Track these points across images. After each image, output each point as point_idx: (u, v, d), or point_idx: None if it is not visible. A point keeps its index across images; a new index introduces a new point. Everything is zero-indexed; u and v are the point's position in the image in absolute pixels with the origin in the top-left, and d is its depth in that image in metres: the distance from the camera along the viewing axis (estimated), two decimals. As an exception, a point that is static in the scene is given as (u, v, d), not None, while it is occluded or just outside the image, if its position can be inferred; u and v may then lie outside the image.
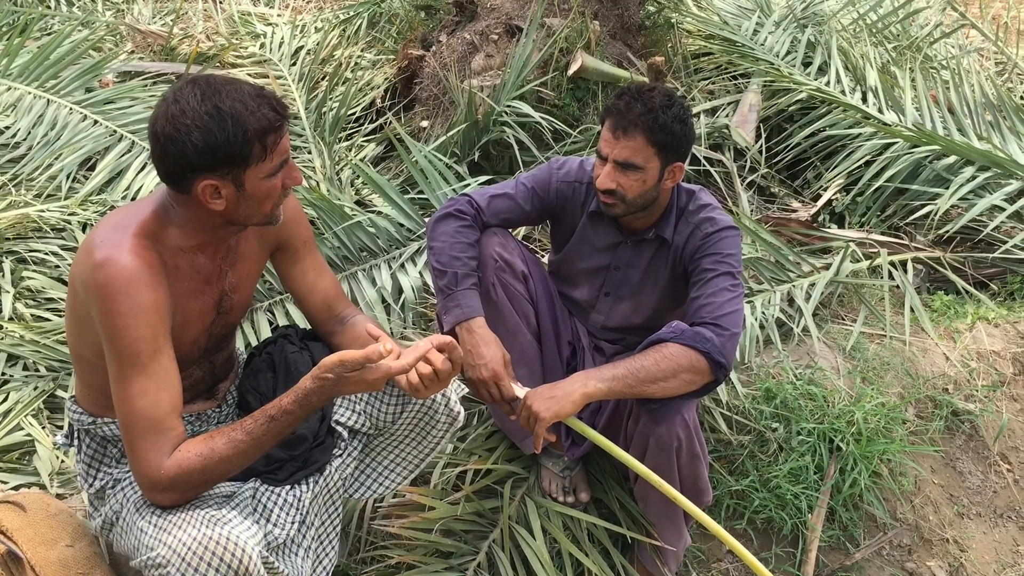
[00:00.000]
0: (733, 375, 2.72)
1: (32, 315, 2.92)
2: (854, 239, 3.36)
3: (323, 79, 4.40)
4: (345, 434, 1.93)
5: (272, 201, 1.66)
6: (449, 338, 1.71)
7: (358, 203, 3.52)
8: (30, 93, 3.84)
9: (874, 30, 4.61)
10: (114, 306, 1.54)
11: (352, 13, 4.80)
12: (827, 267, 3.19)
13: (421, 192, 3.32)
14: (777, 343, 2.87)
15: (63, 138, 3.66)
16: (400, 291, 3.01)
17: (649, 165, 2.07)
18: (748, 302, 2.97)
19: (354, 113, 4.16)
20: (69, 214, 3.30)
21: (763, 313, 2.94)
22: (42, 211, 3.28)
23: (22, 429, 2.54)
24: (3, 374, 2.71)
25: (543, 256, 3.00)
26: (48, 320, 2.91)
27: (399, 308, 2.97)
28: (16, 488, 2.35)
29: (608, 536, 2.37)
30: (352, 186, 3.68)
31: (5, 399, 2.63)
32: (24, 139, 3.68)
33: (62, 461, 2.47)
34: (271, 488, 1.80)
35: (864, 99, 3.97)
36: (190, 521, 1.56)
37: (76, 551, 1.88)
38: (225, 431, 1.61)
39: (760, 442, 2.64)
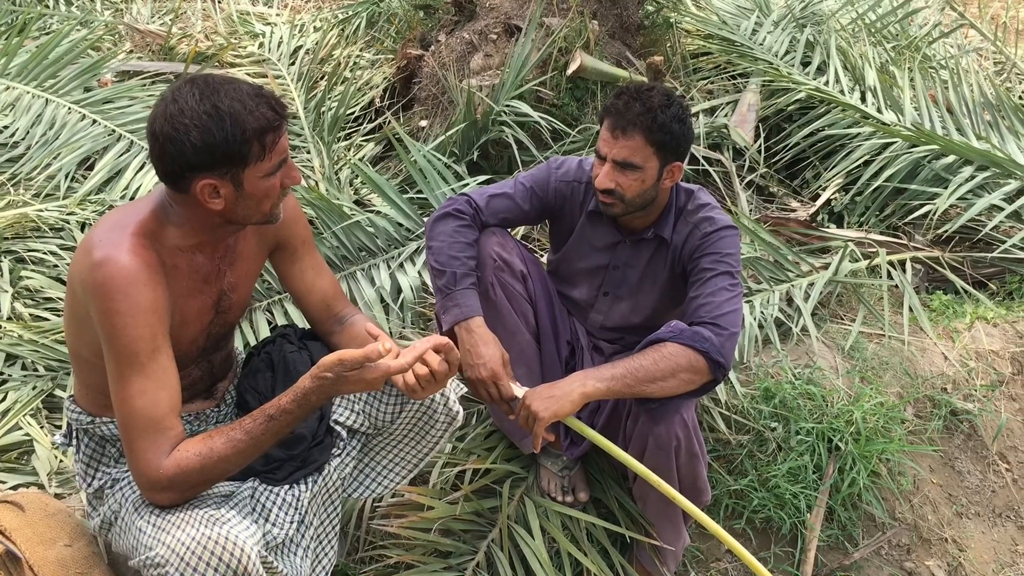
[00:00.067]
0: (732, 375, 2.72)
1: (31, 315, 2.92)
2: (853, 239, 3.36)
3: (322, 78, 4.40)
4: (344, 433, 1.93)
5: (271, 200, 1.65)
6: (446, 339, 1.71)
7: (357, 203, 3.52)
8: (29, 92, 3.84)
9: (873, 30, 4.61)
10: (113, 305, 1.54)
11: (351, 13, 4.80)
12: (826, 267, 3.19)
13: (420, 192, 3.32)
14: (776, 343, 2.87)
15: (62, 137, 3.66)
16: (399, 291, 3.01)
17: (648, 165, 2.07)
18: (747, 302, 2.97)
19: (353, 113, 4.16)
20: (68, 214, 3.30)
21: (762, 313, 2.94)
22: (41, 211, 3.28)
23: (20, 429, 2.54)
24: (1, 373, 2.71)
25: (542, 256, 3.00)
26: (47, 320, 2.91)
27: (398, 308, 2.97)
28: (15, 488, 2.35)
29: (607, 536, 2.37)
30: (351, 186, 3.68)
31: (4, 398, 2.63)
32: (23, 138, 3.68)
33: (60, 461, 2.47)
34: (270, 488, 1.80)
35: (863, 99, 3.98)
36: (189, 521, 1.56)
37: (75, 551, 1.88)
38: (224, 431, 1.61)
39: (759, 442, 2.64)
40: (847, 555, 2.58)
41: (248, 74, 4.39)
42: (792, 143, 3.86)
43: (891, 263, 3.25)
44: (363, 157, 3.85)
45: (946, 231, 3.43)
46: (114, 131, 3.71)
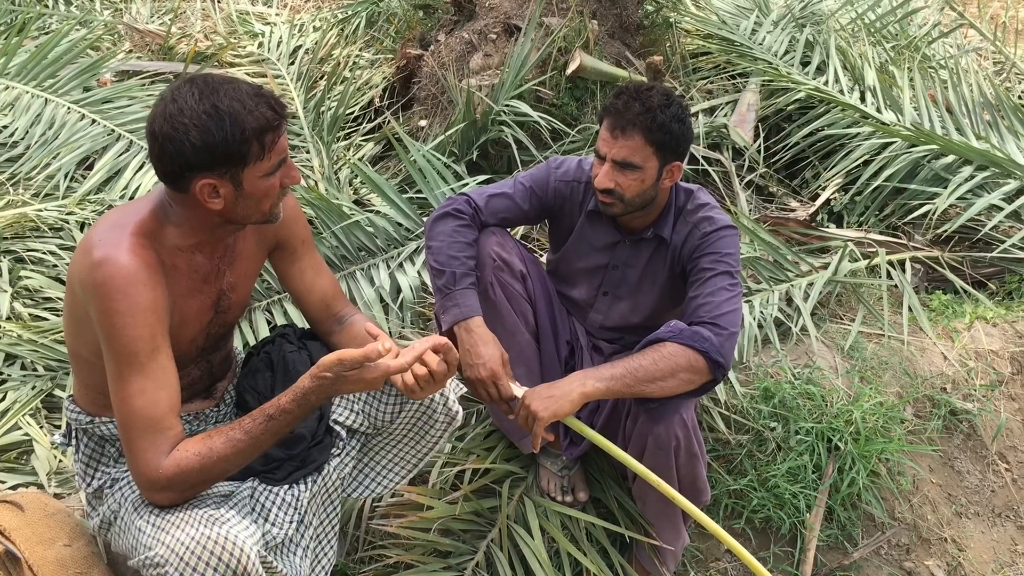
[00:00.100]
0: (731, 374, 2.72)
1: (30, 314, 2.92)
2: (852, 238, 3.36)
3: (321, 78, 4.40)
4: (343, 433, 1.93)
5: (270, 200, 1.65)
6: (445, 339, 1.72)
7: (356, 202, 3.52)
8: (28, 92, 3.84)
9: (872, 29, 4.61)
10: (112, 305, 1.54)
11: (350, 12, 4.80)
12: (825, 266, 3.19)
13: (419, 191, 3.32)
14: (775, 342, 2.87)
15: (61, 137, 3.66)
16: (398, 290, 3.01)
17: (647, 164, 2.07)
18: (746, 301, 2.97)
19: (352, 112, 4.15)
20: (67, 213, 3.30)
21: (761, 312, 2.94)
22: (40, 210, 3.28)
23: (20, 428, 2.54)
24: (1, 373, 2.71)
25: (541, 255, 3.00)
26: (46, 319, 2.91)
27: (397, 307, 2.97)
28: (14, 488, 2.35)
29: (606, 535, 2.37)
30: (350, 185, 3.67)
31: (3, 398, 2.63)
32: (22, 138, 3.68)
33: (60, 460, 2.46)
34: (269, 488, 1.80)
35: (862, 98, 3.98)
36: (188, 520, 1.56)
37: (74, 550, 1.88)
38: (223, 430, 1.60)
39: (758, 441, 2.64)
40: (846, 555, 2.59)
41: (247, 74, 4.38)
42: (791, 143, 3.86)
43: (890, 263, 3.25)
44: (362, 157, 3.85)
45: (945, 231, 3.43)
46: (113, 131, 3.71)
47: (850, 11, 4.71)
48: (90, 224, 3.24)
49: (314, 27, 4.83)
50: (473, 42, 3.82)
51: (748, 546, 2.53)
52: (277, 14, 5.13)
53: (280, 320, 2.90)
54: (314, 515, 1.90)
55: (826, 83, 4.03)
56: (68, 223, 3.25)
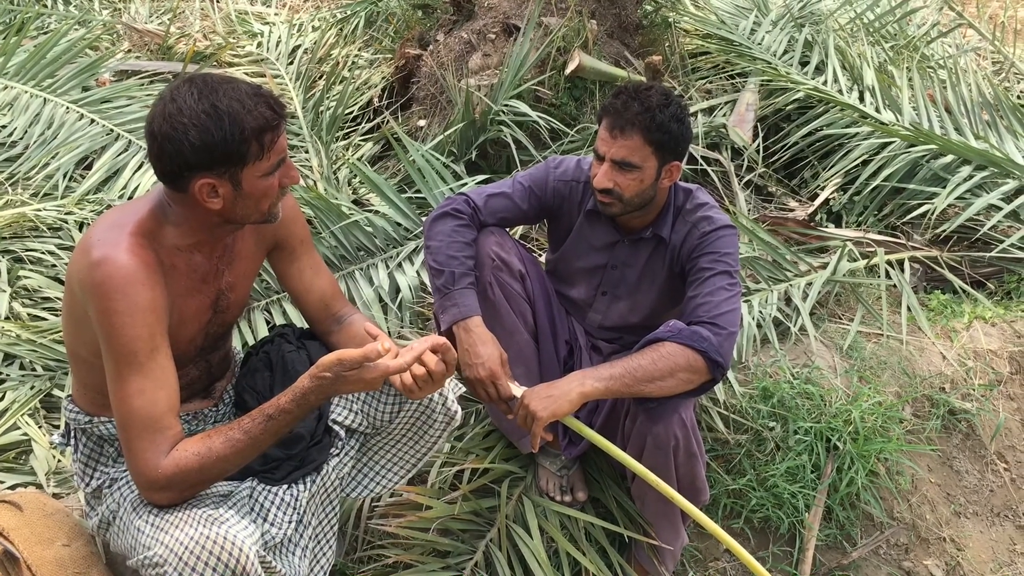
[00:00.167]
0: (730, 374, 2.72)
1: (29, 314, 2.92)
2: (851, 238, 3.36)
3: (320, 78, 4.40)
4: (342, 433, 1.93)
5: (269, 200, 1.65)
6: (443, 339, 1.72)
7: (355, 202, 3.52)
8: (27, 92, 3.84)
9: (871, 29, 4.61)
10: (111, 305, 1.54)
11: (349, 12, 4.80)
12: (824, 266, 3.19)
13: (418, 191, 3.32)
14: (774, 342, 2.87)
15: (60, 137, 3.66)
16: (397, 290, 3.01)
17: (646, 164, 2.07)
18: (745, 301, 2.97)
19: (351, 112, 4.15)
20: (66, 213, 3.30)
21: (760, 312, 2.95)
22: (39, 210, 3.28)
23: (19, 428, 2.54)
24: (0, 373, 2.71)
25: (540, 255, 3.00)
26: (45, 319, 2.91)
27: (396, 307, 2.97)
28: (13, 487, 2.35)
29: (605, 535, 2.37)
30: (349, 185, 3.67)
31: (2, 398, 2.63)
32: (21, 138, 3.68)
33: (59, 460, 2.46)
34: (268, 487, 1.80)
35: (861, 98, 3.98)
36: (187, 520, 1.56)
37: (73, 550, 1.88)
38: (222, 430, 1.60)
39: (757, 441, 2.64)
40: (845, 554, 2.59)
41: (246, 73, 4.38)
42: (790, 143, 3.86)
43: (889, 263, 3.25)
44: (361, 157, 3.85)
45: (944, 231, 3.43)
46: (112, 130, 3.71)
47: (849, 11, 4.71)
48: (89, 224, 3.24)
49: (313, 27, 4.83)
50: (472, 42, 3.82)
51: (747, 546, 2.53)
52: (276, 14, 5.13)
53: (279, 320, 2.90)
54: (313, 515, 1.90)
55: (825, 83, 4.03)
56: (67, 223, 3.25)
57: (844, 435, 2.61)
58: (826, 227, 3.54)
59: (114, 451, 1.81)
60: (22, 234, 3.21)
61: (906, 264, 3.30)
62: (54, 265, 3.08)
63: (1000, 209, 3.37)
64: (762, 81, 4.06)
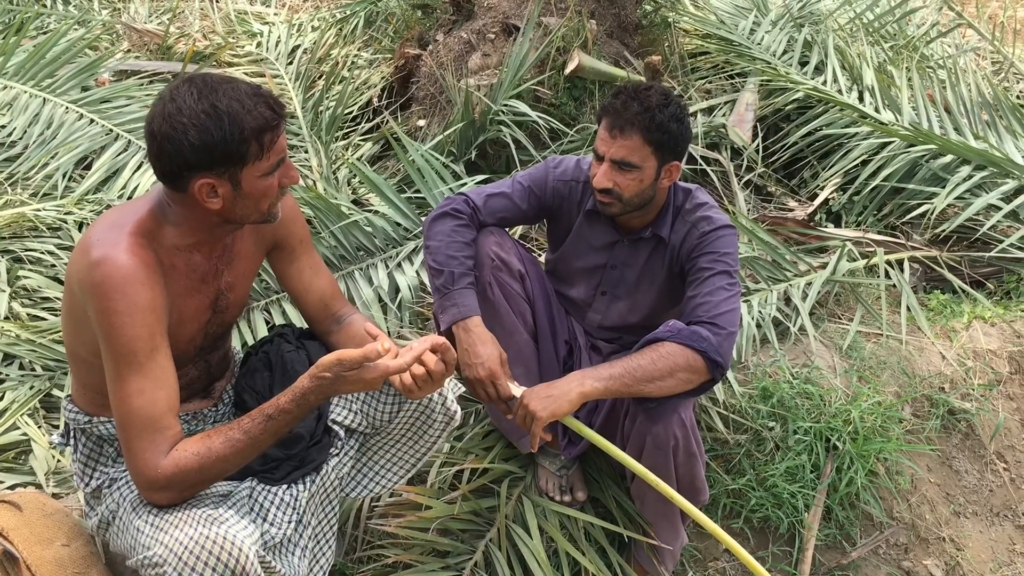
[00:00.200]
0: (730, 374, 2.72)
1: (28, 314, 2.91)
2: (851, 238, 3.36)
3: (320, 78, 4.40)
4: (342, 433, 1.93)
5: (269, 200, 1.65)
6: (443, 339, 1.72)
7: (355, 202, 3.52)
8: (26, 92, 3.83)
9: (871, 29, 4.61)
10: (111, 305, 1.54)
11: (349, 12, 4.80)
12: (824, 266, 3.19)
13: (418, 191, 3.32)
14: (774, 342, 2.87)
15: (59, 137, 3.66)
16: (397, 290, 3.01)
17: (646, 164, 2.07)
18: (745, 301, 2.97)
19: (351, 112, 4.15)
20: (65, 213, 3.29)
21: (760, 312, 2.95)
22: (38, 210, 3.28)
23: (18, 428, 2.54)
24: (0, 373, 2.72)
25: (540, 255, 3.00)
26: (44, 319, 2.90)
27: (396, 307, 2.97)
28: (12, 488, 2.35)
29: (605, 535, 2.37)
30: (349, 185, 3.67)
31: (1, 398, 2.63)
32: (20, 138, 3.68)
33: (58, 460, 2.46)
34: (268, 487, 1.80)
35: (861, 98, 3.98)
36: (187, 520, 1.56)
37: (72, 550, 1.88)
38: (222, 430, 1.60)
39: (757, 441, 2.64)
40: (845, 554, 2.59)
41: (246, 73, 4.38)
42: (790, 142, 3.86)
43: (889, 262, 3.25)
44: (361, 157, 3.85)
45: (944, 230, 3.43)
46: (112, 130, 3.71)
47: (848, 11, 4.71)
48: (88, 224, 3.24)
49: (312, 27, 4.83)
50: (471, 42, 3.82)
51: (746, 546, 2.53)
52: (275, 14, 5.13)
53: (278, 320, 2.90)
54: (312, 515, 1.90)
55: (824, 83, 4.04)
56: (66, 223, 3.25)
57: (843, 435, 2.61)
58: (825, 227, 3.54)
59: (113, 451, 1.81)
60: (22, 234, 3.21)
61: (905, 264, 3.30)
62: (53, 265, 3.08)
63: (999, 209, 3.37)
64: (761, 81, 4.06)
